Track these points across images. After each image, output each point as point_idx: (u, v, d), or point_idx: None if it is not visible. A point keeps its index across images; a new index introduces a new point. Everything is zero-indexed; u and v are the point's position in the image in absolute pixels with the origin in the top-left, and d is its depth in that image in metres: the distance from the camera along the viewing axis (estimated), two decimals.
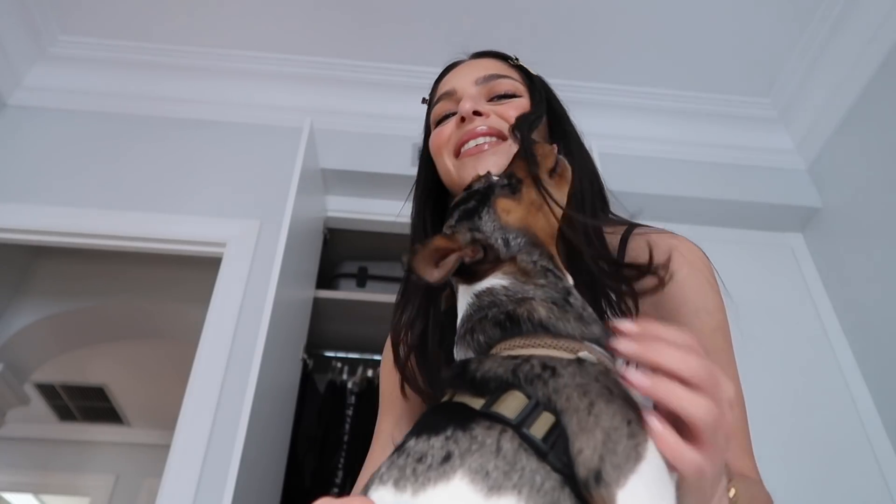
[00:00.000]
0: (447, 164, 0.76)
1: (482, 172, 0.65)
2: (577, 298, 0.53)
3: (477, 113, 0.73)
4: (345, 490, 2.01)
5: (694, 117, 2.35)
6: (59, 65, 2.21)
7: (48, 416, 4.50)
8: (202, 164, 2.09)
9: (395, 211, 2.15)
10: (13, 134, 2.08)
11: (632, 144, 2.26)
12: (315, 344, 2.27)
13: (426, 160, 0.83)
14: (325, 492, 2.00)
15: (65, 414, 4.52)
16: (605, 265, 0.63)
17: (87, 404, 4.40)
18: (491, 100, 0.76)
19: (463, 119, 0.74)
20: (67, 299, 2.62)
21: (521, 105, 0.75)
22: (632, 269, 0.63)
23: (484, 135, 0.73)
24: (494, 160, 0.70)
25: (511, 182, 0.59)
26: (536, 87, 0.79)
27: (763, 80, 2.31)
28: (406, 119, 2.27)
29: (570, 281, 0.56)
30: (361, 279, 2.40)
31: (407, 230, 2.46)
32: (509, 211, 0.56)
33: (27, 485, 4.62)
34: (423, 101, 0.86)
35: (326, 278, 2.39)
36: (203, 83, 2.24)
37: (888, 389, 1.86)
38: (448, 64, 0.86)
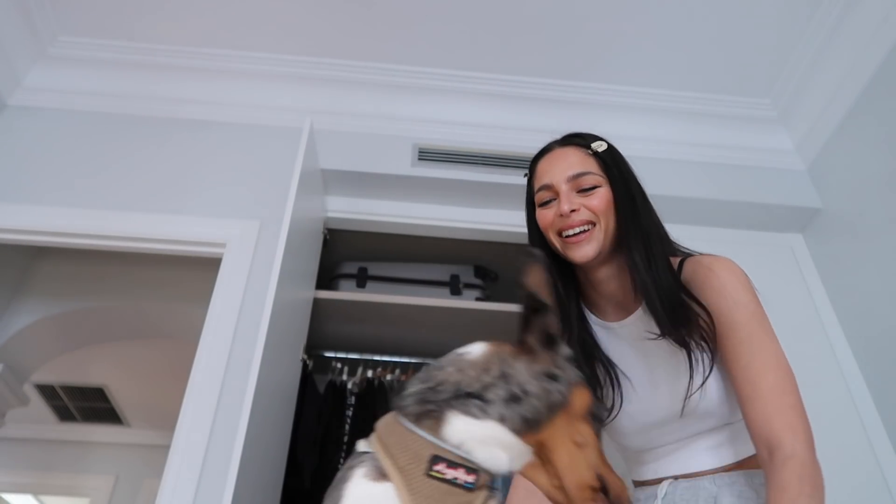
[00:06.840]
0: (553, 240, 1.09)
1: (579, 258, 1.04)
2: None
3: (572, 209, 1.05)
4: None
5: (694, 118, 2.35)
6: (58, 65, 2.21)
7: (48, 416, 4.50)
8: (202, 165, 2.09)
9: (396, 212, 2.17)
10: (13, 134, 2.07)
11: (631, 145, 2.21)
12: (315, 344, 2.28)
13: (534, 223, 1.14)
14: (325, 492, 2.00)
15: (64, 414, 4.52)
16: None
17: (86, 405, 4.40)
18: (580, 191, 1.06)
19: (562, 214, 1.05)
20: (67, 300, 2.62)
21: (602, 194, 1.05)
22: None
23: (578, 224, 1.05)
24: (587, 248, 1.04)
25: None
26: (612, 171, 1.07)
27: (763, 81, 2.31)
28: (406, 119, 2.27)
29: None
30: (361, 280, 2.40)
31: (406, 231, 2.48)
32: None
33: (27, 485, 4.63)
34: (525, 175, 1.19)
35: (326, 279, 2.39)
36: (203, 83, 2.24)
37: (888, 389, 1.86)
38: (542, 149, 1.16)
